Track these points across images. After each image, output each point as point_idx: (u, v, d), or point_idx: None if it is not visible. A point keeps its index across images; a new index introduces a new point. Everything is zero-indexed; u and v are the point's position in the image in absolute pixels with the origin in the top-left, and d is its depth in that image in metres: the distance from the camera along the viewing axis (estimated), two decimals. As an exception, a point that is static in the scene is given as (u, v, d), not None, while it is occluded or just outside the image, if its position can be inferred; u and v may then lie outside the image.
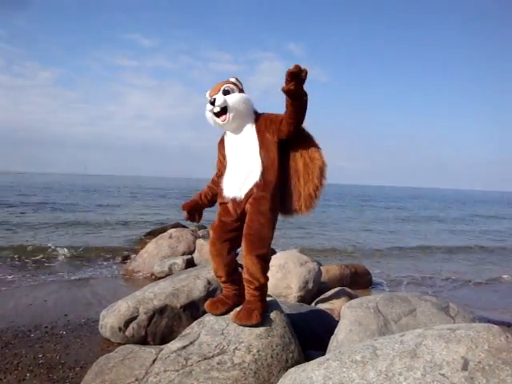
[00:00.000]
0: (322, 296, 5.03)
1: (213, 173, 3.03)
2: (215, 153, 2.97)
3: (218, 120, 2.69)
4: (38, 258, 7.72)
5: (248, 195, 2.68)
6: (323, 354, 2.57)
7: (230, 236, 2.79)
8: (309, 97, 2.51)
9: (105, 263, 7.77)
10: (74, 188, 37.53)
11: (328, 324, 3.65)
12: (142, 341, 3.59)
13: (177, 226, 9.83)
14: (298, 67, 2.33)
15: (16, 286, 5.77)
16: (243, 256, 2.70)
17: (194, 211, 3.03)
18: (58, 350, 3.58)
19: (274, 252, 6.93)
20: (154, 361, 2.54)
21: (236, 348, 2.52)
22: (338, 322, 3.31)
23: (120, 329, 3.67)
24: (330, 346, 3.05)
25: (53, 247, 8.48)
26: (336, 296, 4.88)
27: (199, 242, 7.29)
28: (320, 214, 21.16)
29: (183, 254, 7.18)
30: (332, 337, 3.12)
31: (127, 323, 3.67)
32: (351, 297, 4.83)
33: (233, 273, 2.86)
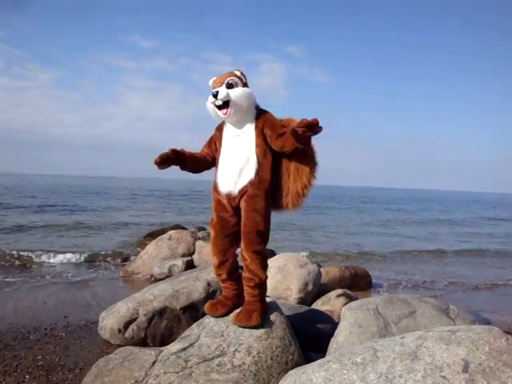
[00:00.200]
0: (322, 298, 5.02)
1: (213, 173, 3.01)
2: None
3: (219, 113, 2.69)
4: (37, 260, 7.70)
5: (242, 191, 2.70)
6: (323, 356, 2.56)
7: (229, 231, 2.81)
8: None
9: (104, 265, 7.76)
10: (73, 190, 37.51)
11: (328, 326, 3.65)
12: (142, 342, 3.59)
13: (176, 227, 9.82)
14: (316, 121, 2.39)
15: (16, 288, 5.75)
16: (242, 253, 2.74)
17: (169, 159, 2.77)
18: (58, 351, 3.57)
19: (273, 254, 6.93)
20: (153, 363, 2.54)
21: (236, 350, 2.52)
22: (337, 323, 3.31)
23: (119, 330, 3.66)
24: (329, 348, 3.04)
25: (52, 249, 8.47)
26: (336, 298, 4.87)
27: (199, 243, 7.28)
28: (321, 216, 21.19)
29: (183, 256, 7.18)
30: (332, 339, 3.12)
31: (127, 325, 3.66)
32: (351, 299, 4.82)
33: (233, 271, 2.88)
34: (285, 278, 5.12)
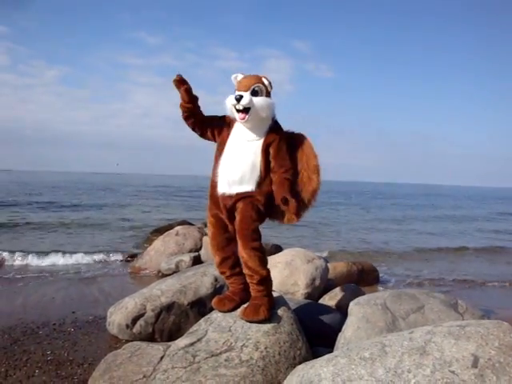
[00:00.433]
0: (329, 293, 5.01)
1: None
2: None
3: (237, 115, 2.69)
4: (44, 255, 7.73)
5: (240, 195, 2.71)
6: (331, 351, 2.56)
7: (227, 229, 2.84)
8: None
9: (112, 261, 7.78)
10: (81, 186, 37.71)
11: (335, 321, 3.64)
12: (150, 338, 3.60)
13: (183, 223, 9.84)
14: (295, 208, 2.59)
15: (24, 284, 5.80)
16: (239, 252, 2.75)
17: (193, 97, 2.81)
18: (66, 346, 3.60)
19: (280, 249, 6.92)
20: (161, 358, 2.55)
21: (243, 345, 2.52)
22: (345, 318, 3.30)
23: (127, 326, 3.68)
24: (337, 343, 3.04)
25: (60, 249, 8.45)
26: (343, 293, 4.86)
27: (206, 239, 7.28)
28: (330, 212, 21.09)
29: (190, 251, 7.18)
30: (340, 334, 3.11)
31: (134, 320, 3.68)
32: (358, 294, 4.81)
33: (236, 267, 2.88)
34: (292, 273, 5.11)
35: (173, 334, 3.61)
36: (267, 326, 2.66)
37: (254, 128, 2.75)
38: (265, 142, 2.74)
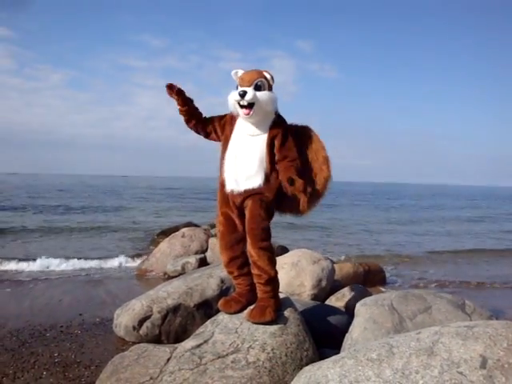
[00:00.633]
0: (336, 294, 5.00)
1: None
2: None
3: (241, 111, 2.69)
4: (51, 258, 7.75)
5: (249, 192, 2.70)
6: (338, 353, 2.55)
7: (236, 228, 2.83)
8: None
9: (118, 263, 7.80)
10: (87, 189, 37.86)
11: (342, 322, 3.63)
12: (156, 340, 3.61)
13: (189, 225, 9.85)
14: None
15: (32, 286, 5.84)
16: (249, 251, 2.74)
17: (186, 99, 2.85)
18: (74, 349, 3.62)
19: (285, 250, 6.91)
20: (168, 360, 2.55)
21: (250, 346, 2.52)
22: (352, 319, 3.29)
23: (134, 328, 3.68)
24: (344, 344, 3.03)
25: (65, 254, 8.44)
26: (350, 294, 4.84)
27: (212, 240, 7.29)
28: (336, 214, 20.98)
29: (196, 253, 7.19)
30: (346, 335, 3.10)
31: (141, 322, 3.69)
32: (365, 295, 4.79)
33: (244, 267, 2.87)
34: (298, 274, 5.10)
35: (179, 336, 3.62)
36: (274, 328, 2.65)
37: (257, 123, 2.74)
38: (269, 135, 2.74)
